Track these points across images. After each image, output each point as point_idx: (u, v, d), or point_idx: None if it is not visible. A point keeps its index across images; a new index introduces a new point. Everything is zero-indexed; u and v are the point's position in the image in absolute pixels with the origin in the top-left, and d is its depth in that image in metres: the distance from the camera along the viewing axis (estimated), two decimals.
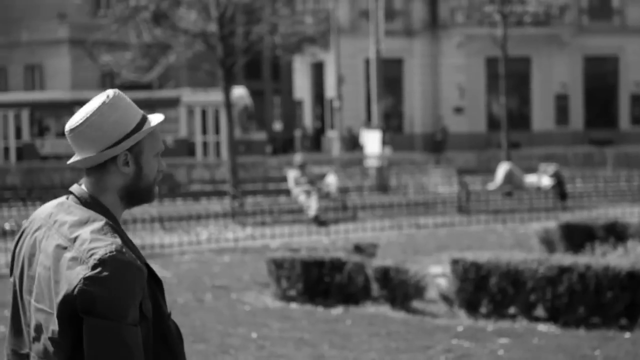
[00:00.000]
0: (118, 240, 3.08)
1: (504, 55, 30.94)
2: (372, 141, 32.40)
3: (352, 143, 42.19)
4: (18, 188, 30.28)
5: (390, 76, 44.07)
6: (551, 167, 25.62)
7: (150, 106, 36.30)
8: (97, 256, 3.00)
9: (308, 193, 22.30)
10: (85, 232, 3.10)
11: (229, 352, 9.72)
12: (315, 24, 29.97)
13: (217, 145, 36.03)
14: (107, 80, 43.76)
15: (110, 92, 3.32)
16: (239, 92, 34.79)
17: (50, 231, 3.17)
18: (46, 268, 3.10)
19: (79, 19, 46.60)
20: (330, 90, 47.07)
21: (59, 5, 48.13)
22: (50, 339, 3.07)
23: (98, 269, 2.98)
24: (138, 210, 22.63)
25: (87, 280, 2.97)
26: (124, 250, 3.07)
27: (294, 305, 12.11)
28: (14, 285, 3.32)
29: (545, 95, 48.70)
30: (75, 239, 3.09)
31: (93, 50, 34.04)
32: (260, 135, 37.74)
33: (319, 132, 50.82)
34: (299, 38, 29.11)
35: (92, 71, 44.87)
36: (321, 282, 12.13)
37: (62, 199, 3.32)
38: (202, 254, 17.30)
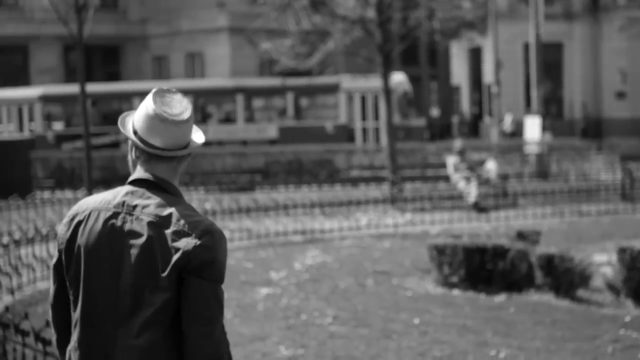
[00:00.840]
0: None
1: None
2: (531, 127, 31.93)
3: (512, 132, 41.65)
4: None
5: (549, 61, 43.27)
6: None
7: (310, 92, 36.67)
8: (201, 227, 3.47)
9: (468, 179, 22.15)
10: (175, 211, 3.51)
11: (391, 337, 9.76)
12: (473, 8, 29.58)
13: (376, 131, 36.10)
14: (265, 67, 44.34)
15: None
16: (398, 78, 34.75)
17: (132, 215, 3.52)
18: (141, 246, 3.47)
19: (238, 8, 47.31)
20: (488, 76, 46.55)
21: None
22: (155, 307, 3.46)
23: (205, 238, 3.46)
24: (299, 196, 22.93)
25: (198, 248, 3.44)
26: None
27: (455, 292, 12.07)
28: (77, 275, 3.59)
29: None
30: (168, 217, 3.49)
31: (253, 37, 34.55)
32: (419, 121, 37.63)
33: (477, 118, 50.36)
34: (457, 23, 28.86)
35: (251, 58, 45.54)
36: (483, 269, 12.05)
37: (126, 188, 3.61)
38: (362, 239, 17.39)
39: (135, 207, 3.54)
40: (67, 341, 3.73)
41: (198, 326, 3.45)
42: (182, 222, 3.48)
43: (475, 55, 49.75)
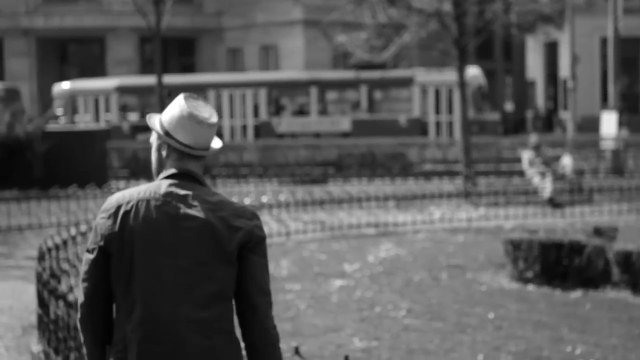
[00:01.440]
0: None
1: None
2: (608, 123, 31.53)
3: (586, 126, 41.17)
4: (254, 165, 31.19)
5: (627, 55, 42.65)
6: None
7: (384, 86, 36.63)
8: (250, 211, 3.93)
9: (543, 174, 21.96)
10: (222, 198, 3.94)
11: (465, 331, 9.72)
12: (551, 2, 29.26)
13: (450, 125, 35.95)
14: (339, 60, 44.35)
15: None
16: (473, 72, 34.56)
17: (184, 202, 3.85)
18: (200, 227, 3.81)
19: (313, 0, 47.39)
20: (564, 70, 46.04)
21: None
22: (223, 281, 3.81)
23: (256, 220, 3.91)
24: (371, 189, 22.93)
25: (256, 228, 3.87)
26: None
27: (530, 287, 11.98)
28: (131, 261, 3.81)
29: None
30: (219, 203, 3.89)
31: (328, 30, 34.54)
32: (493, 116, 37.38)
33: (551, 113, 49.86)
34: (534, 17, 28.58)
35: (325, 51, 45.57)
36: (559, 265, 11.95)
37: (168, 181, 3.91)
38: (436, 233, 17.33)
39: (184, 195, 3.87)
40: (105, 338, 3.94)
41: (264, 297, 3.87)
42: (233, 206, 3.92)
43: (551, 50, 49.24)
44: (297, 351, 6.04)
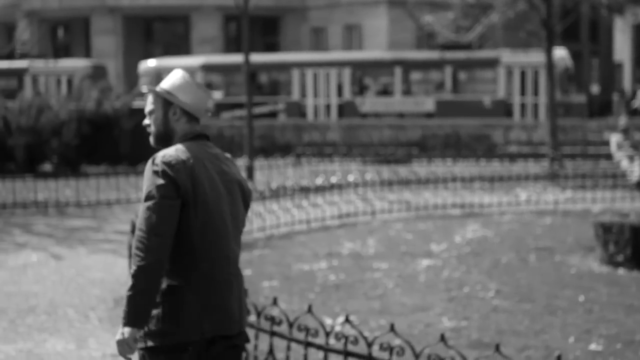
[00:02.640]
0: None
1: None
2: None
3: None
4: (338, 144, 31.23)
5: None
6: None
7: (468, 66, 36.36)
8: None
9: (631, 158, 21.64)
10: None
11: (555, 313, 9.64)
12: None
13: (535, 107, 35.59)
14: (423, 40, 44.13)
15: None
16: (560, 54, 34.13)
17: (218, 160, 4.61)
18: (236, 180, 4.67)
19: None
20: None
21: None
22: (243, 225, 4.74)
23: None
24: (456, 170, 22.83)
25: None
26: None
27: (621, 271, 11.83)
28: (210, 204, 4.52)
29: None
30: (231, 159, 4.76)
31: (413, 10, 34.43)
32: (579, 98, 36.91)
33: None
34: None
35: (409, 31, 45.36)
36: None
37: (201, 142, 4.61)
38: (522, 215, 17.21)
39: (216, 154, 4.65)
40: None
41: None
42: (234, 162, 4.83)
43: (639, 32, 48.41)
44: (392, 328, 6.06)
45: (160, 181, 4.38)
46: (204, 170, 4.48)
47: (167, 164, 4.40)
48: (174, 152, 4.46)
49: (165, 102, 4.60)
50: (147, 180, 4.44)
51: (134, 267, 4.33)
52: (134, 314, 4.34)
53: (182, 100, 4.59)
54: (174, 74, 4.67)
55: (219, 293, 4.50)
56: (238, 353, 4.65)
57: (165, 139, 4.61)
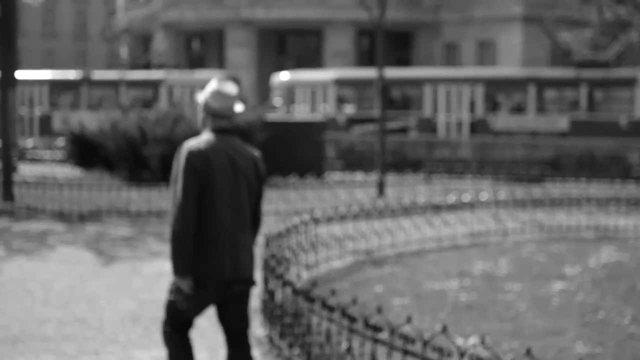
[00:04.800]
0: None
1: None
2: None
3: None
4: (469, 161, 31.00)
5: None
6: None
7: (605, 85, 35.69)
8: (258, 154, 6.27)
9: None
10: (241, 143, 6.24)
11: None
12: None
13: None
14: (557, 57, 43.51)
15: None
16: None
17: (238, 152, 6.10)
18: (249, 167, 6.14)
19: None
20: None
21: None
22: (251, 199, 6.19)
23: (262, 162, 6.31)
24: (591, 191, 22.39)
25: (264, 169, 6.32)
26: None
27: None
28: (230, 183, 6.06)
29: None
30: (250, 150, 6.23)
31: (550, 27, 33.95)
32: None
33: None
34: None
35: (543, 48, 44.85)
36: None
37: (219, 135, 6.11)
38: None
39: (234, 146, 6.12)
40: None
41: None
42: (254, 152, 6.24)
43: None
44: (528, 352, 5.95)
45: (183, 164, 5.93)
46: (218, 157, 5.99)
47: (189, 150, 5.98)
48: (197, 142, 6.05)
49: (201, 104, 6.20)
50: (176, 162, 5.99)
51: (170, 232, 5.92)
52: (175, 265, 5.90)
53: (210, 104, 6.13)
54: (210, 84, 6.20)
55: (212, 246, 5.97)
56: (245, 296, 6.16)
57: (201, 130, 6.22)
